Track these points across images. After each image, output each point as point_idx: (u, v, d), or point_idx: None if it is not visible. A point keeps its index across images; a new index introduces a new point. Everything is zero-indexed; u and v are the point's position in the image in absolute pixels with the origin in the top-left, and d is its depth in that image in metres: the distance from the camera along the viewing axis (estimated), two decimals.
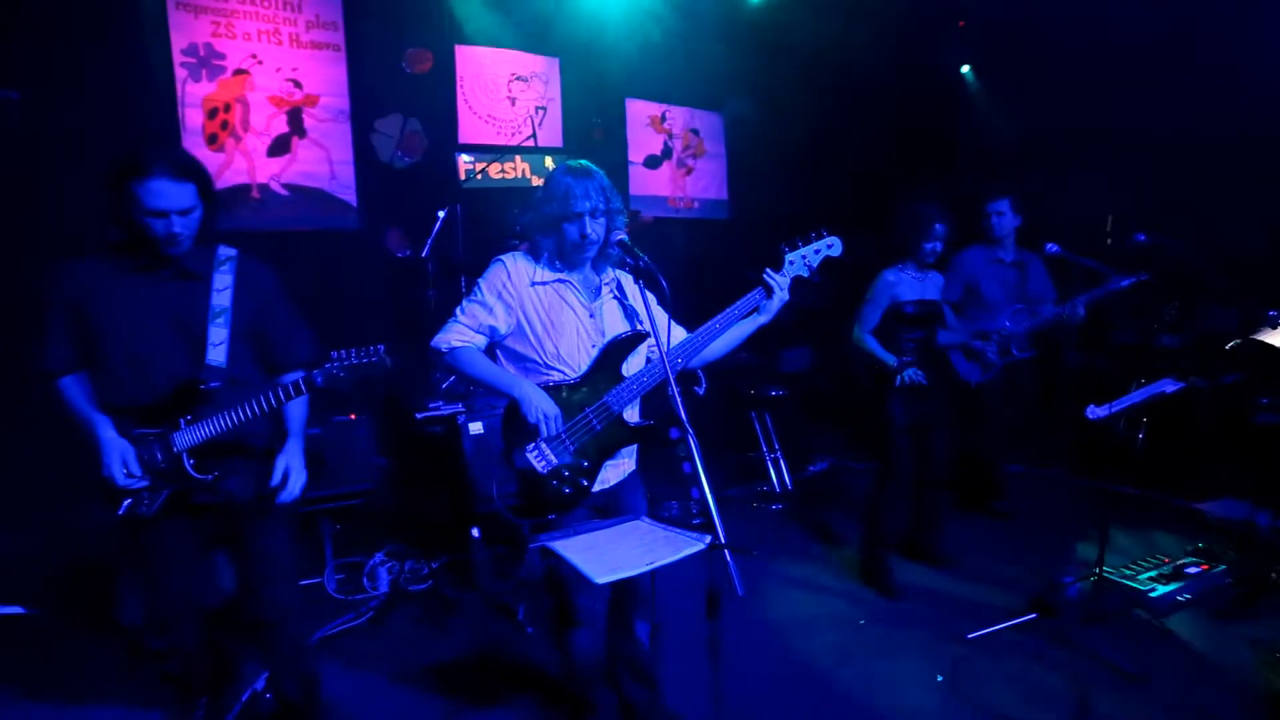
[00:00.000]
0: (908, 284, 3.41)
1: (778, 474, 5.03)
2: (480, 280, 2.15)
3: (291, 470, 2.19)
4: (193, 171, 2.01)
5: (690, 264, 6.42)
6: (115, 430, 2.05)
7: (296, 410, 2.26)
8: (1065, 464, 4.89)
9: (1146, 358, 4.60)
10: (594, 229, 2.07)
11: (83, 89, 3.93)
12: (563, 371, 2.16)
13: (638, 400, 2.23)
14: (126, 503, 2.06)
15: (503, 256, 2.17)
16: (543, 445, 2.10)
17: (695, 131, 6.93)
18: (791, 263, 2.24)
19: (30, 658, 2.98)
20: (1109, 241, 4.21)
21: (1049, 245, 3.73)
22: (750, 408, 5.09)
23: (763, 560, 3.91)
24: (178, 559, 2.17)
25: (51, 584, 3.39)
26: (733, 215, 7.17)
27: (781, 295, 2.21)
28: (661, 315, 2.15)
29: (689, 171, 6.92)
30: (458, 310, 2.15)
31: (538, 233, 2.11)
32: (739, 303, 2.19)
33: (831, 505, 4.77)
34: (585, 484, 2.14)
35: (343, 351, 2.03)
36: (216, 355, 2.07)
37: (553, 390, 2.13)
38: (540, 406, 2.06)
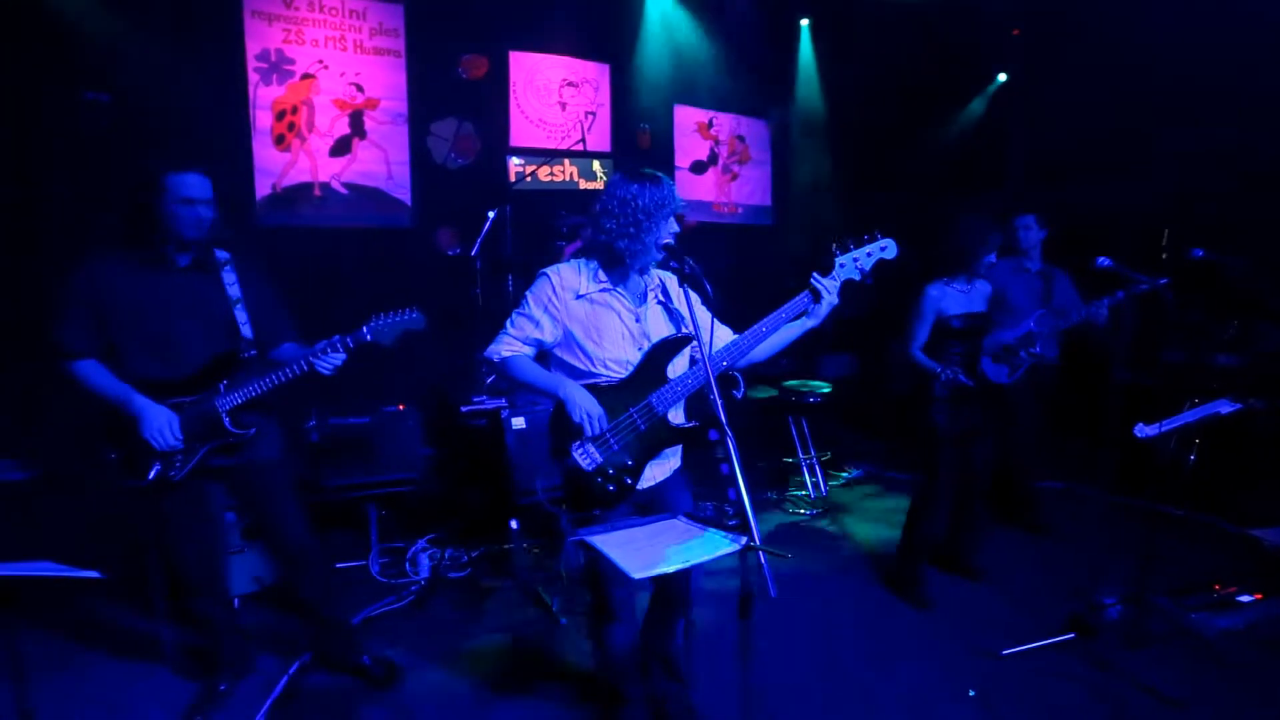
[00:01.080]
0: (953, 297, 3.35)
1: (813, 479, 4.99)
2: (528, 293, 2.20)
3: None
4: (211, 173, 2.37)
5: (733, 269, 6.32)
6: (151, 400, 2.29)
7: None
8: (1110, 483, 4.72)
9: (1200, 377, 4.41)
10: (670, 232, 2.14)
11: (165, 93, 4.12)
12: (609, 374, 2.20)
13: (682, 401, 2.25)
14: (156, 468, 2.28)
15: (547, 270, 2.20)
16: (588, 444, 2.16)
17: (741, 138, 6.92)
18: (842, 265, 2.21)
19: (78, 624, 3.10)
20: (1164, 256, 4.07)
21: (1100, 259, 3.62)
22: (788, 413, 5.05)
23: (796, 563, 3.89)
24: (202, 521, 2.42)
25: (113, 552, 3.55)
26: (776, 222, 7.14)
27: (830, 299, 2.18)
28: (705, 317, 2.18)
29: (734, 177, 6.90)
30: (507, 322, 2.23)
31: (615, 237, 2.09)
32: (785, 307, 2.18)
33: (866, 513, 4.71)
34: (629, 482, 2.18)
35: (381, 314, 2.36)
36: (247, 331, 2.41)
37: (598, 391, 2.17)
38: (584, 406, 2.12)
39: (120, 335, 2.30)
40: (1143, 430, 2.99)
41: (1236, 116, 4.66)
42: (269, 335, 2.50)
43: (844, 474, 5.40)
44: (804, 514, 4.70)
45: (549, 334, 2.18)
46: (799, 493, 4.98)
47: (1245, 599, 3.25)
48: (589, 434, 2.11)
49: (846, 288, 2.25)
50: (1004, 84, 6.58)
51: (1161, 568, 3.13)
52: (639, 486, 2.22)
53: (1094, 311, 3.73)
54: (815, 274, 2.19)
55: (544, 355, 2.30)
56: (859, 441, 5.83)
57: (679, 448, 2.34)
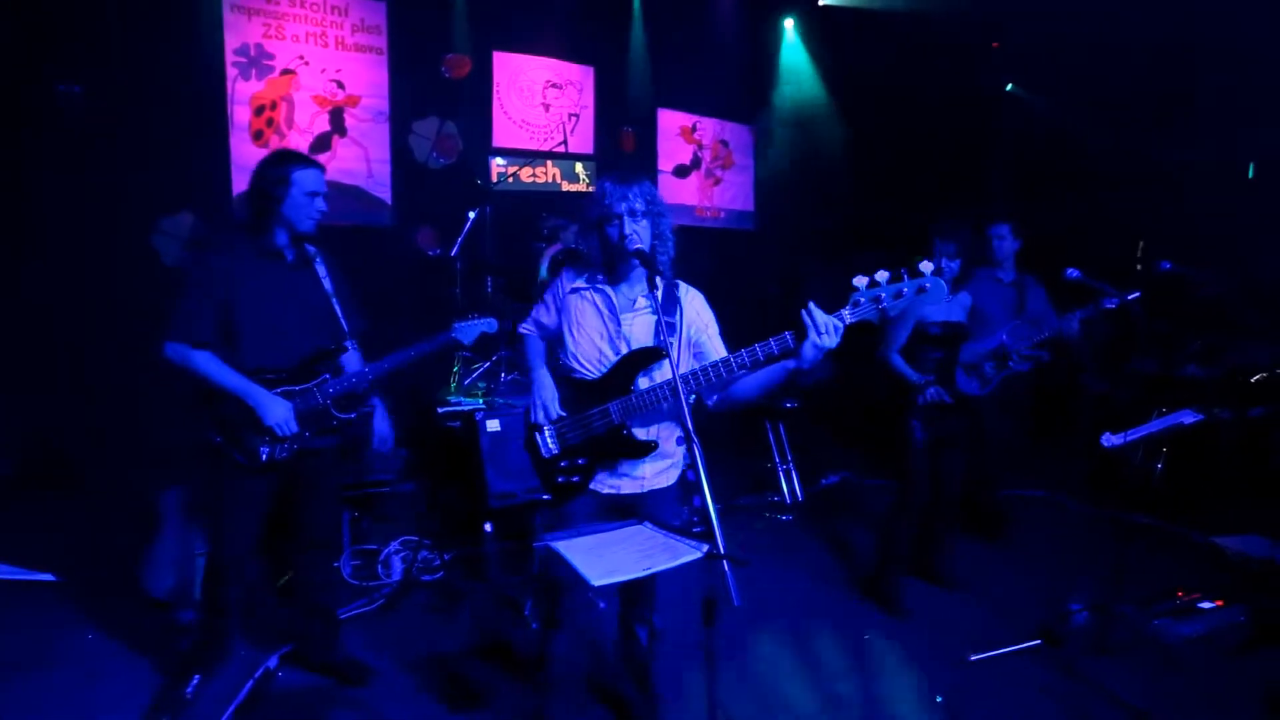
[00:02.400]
0: (936, 305, 3.36)
1: (789, 485, 4.98)
2: (548, 288, 2.38)
3: (385, 434, 2.81)
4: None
5: (716, 274, 6.30)
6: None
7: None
8: (1079, 491, 4.78)
9: (1170, 388, 4.47)
10: (634, 230, 2.06)
11: (140, 85, 4.06)
12: (582, 369, 2.24)
13: (658, 417, 2.22)
14: (266, 451, 2.42)
15: (565, 270, 2.35)
16: (548, 430, 2.24)
17: (725, 143, 6.95)
18: (858, 304, 1.88)
19: (46, 624, 3.05)
20: (1139, 268, 4.12)
21: (1069, 270, 3.67)
22: (764, 417, 5.05)
23: (768, 570, 3.88)
24: (264, 504, 2.50)
25: (75, 552, 3.47)
26: (758, 226, 7.18)
27: (823, 342, 1.86)
28: (710, 334, 2.22)
29: (717, 182, 6.94)
30: (534, 307, 2.43)
31: (582, 240, 2.20)
32: (759, 345, 1.96)
33: (841, 519, 4.71)
34: (578, 480, 2.21)
35: (466, 319, 2.65)
36: (344, 324, 2.59)
37: (572, 384, 2.24)
38: (540, 392, 2.26)
39: (241, 326, 2.39)
40: (1109, 440, 3.02)
41: (1217, 130, 4.71)
42: (350, 328, 2.66)
43: (820, 480, 5.41)
44: (779, 520, 4.70)
45: (550, 322, 2.34)
46: (774, 498, 4.97)
47: (1206, 606, 3.29)
48: (533, 417, 2.23)
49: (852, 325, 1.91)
50: (987, 94, 6.63)
51: (1129, 576, 3.16)
52: (605, 490, 2.24)
53: (1065, 325, 3.75)
54: (811, 305, 1.87)
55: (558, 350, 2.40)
56: (836, 447, 5.83)
57: (678, 460, 2.34)
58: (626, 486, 2.25)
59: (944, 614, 3.44)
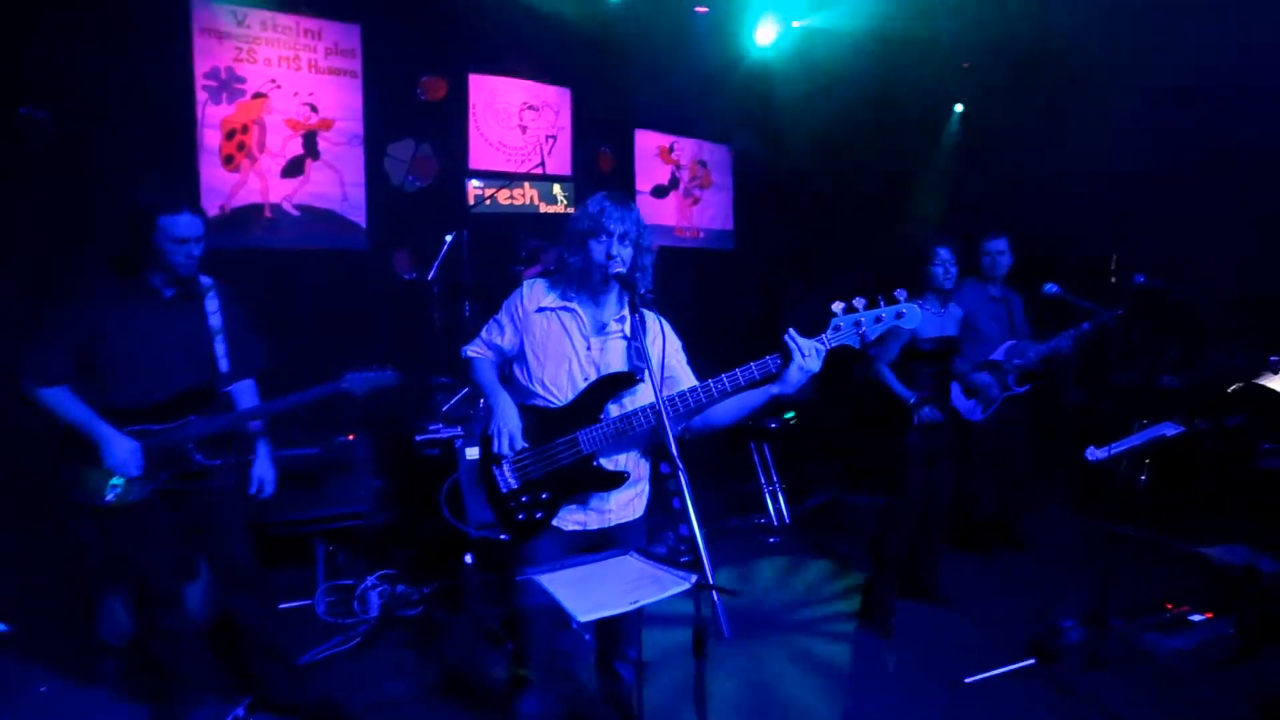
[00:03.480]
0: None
1: (775, 506, 4.97)
2: (505, 301, 2.27)
3: (266, 478, 2.70)
4: (202, 210, 2.47)
5: (695, 293, 6.42)
6: (116, 428, 2.34)
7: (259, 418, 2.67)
8: (1065, 505, 4.81)
9: (1147, 399, 4.53)
10: (620, 253, 2.06)
11: (106, 110, 3.98)
12: (546, 397, 2.16)
13: (628, 446, 2.18)
14: (114, 490, 2.35)
15: (527, 278, 2.27)
16: (508, 464, 2.13)
17: (703, 163, 6.97)
18: (839, 328, 1.92)
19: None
20: (1113, 280, 4.18)
21: (1047, 285, 3.71)
22: (749, 438, 5.04)
23: (757, 595, 3.85)
24: (159, 539, 2.46)
25: (29, 599, 3.37)
26: (738, 246, 7.18)
27: (807, 365, 1.90)
28: (679, 361, 2.18)
29: (695, 202, 6.94)
30: (484, 326, 2.30)
31: (565, 250, 2.14)
32: (741, 370, 1.95)
33: (830, 539, 4.70)
34: (540, 516, 2.12)
35: (362, 369, 2.54)
36: (224, 365, 2.53)
37: (534, 413, 2.14)
38: (500, 421, 2.12)
39: (103, 364, 2.35)
40: (1093, 453, 3.04)
41: (1186, 143, 4.80)
42: (238, 367, 2.60)
43: (807, 500, 5.39)
44: (767, 542, 4.68)
45: (508, 341, 2.21)
46: (761, 520, 4.96)
47: (1196, 618, 3.30)
48: (495, 448, 2.10)
49: (836, 351, 1.96)
50: (961, 115, 6.75)
51: (1118, 588, 3.17)
52: (587, 526, 2.18)
53: (1060, 343, 3.77)
54: (792, 331, 1.93)
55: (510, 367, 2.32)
56: (822, 466, 5.82)
57: (643, 489, 2.29)
58: (593, 521, 2.19)
59: (934, 632, 3.42)
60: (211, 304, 2.51)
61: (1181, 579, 3.90)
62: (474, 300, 4.61)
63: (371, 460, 3.87)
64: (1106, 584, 3.10)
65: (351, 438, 3.84)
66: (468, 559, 3.62)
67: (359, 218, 4.93)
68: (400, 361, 4.94)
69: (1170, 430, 2.98)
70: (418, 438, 4.00)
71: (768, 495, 4.99)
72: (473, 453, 3.73)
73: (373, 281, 4.92)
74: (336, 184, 4.85)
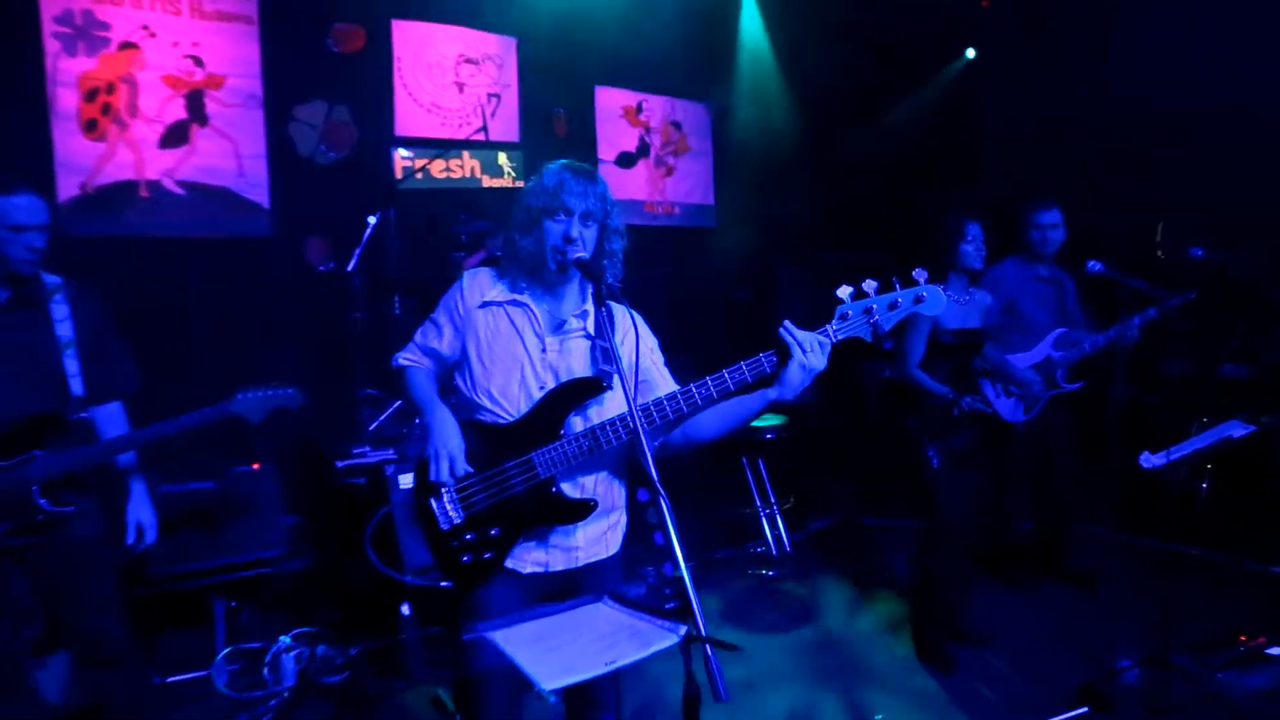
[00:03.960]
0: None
1: (773, 532, 4.92)
2: (443, 297, 2.22)
3: (145, 522, 2.64)
4: (43, 191, 2.38)
5: (670, 281, 6.42)
6: None
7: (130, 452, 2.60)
8: (1116, 521, 4.84)
9: (1207, 392, 4.58)
10: (582, 235, 2.04)
11: None
12: (494, 411, 2.11)
13: (596, 466, 2.14)
14: None
15: (468, 269, 2.22)
16: (448, 495, 2.07)
17: (677, 125, 6.96)
18: (846, 317, 1.92)
19: None
20: (1160, 254, 4.21)
21: (1091, 263, 3.73)
22: (739, 451, 5.01)
23: (755, 640, 3.85)
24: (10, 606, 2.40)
25: None
26: (720, 223, 7.20)
27: (810, 363, 1.89)
28: (654, 362, 2.16)
29: (669, 171, 6.94)
30: (419, 328, 2.27)
31: (515, 233, 2.10)
32: (729, 372, 1.94)
33: (839, 570, 4.68)
34: (490, 557, 2.08)
35: (257, 388, 2.45)
36: (77, 386, 2.41)
37: (480, 431, 2.09)
38: (438, 441, 2.06)
39: None
40: (1149, 460, 3.05)
41: (1243, 96, 4.85)
42: (98, 388, 2.51)
43: (810, 523, 5.41)
44: (765, 575, 4.67)
45: (447, 345, 2.18)
46: (757, 549, 4.94)
47: (1275, 651, 3.32)
48: (433, 475, 2.04)
49: (846, 346, 1.96)
50: (972, 62, 6.81)
51: (1181, 619, 3.18)
52: (550, 568, 2.13)
53: (1121, 334, 3.77)
54: (788, 323, 1.92)
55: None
56: (826, 482, 5.83)
57: (618, 520, 2.25)
58: (557, 561, 2.14)
59: (969, 679, 3.42)
60: (59, 309, 2.42)
61: (1255, 606, 3.93)
62: (405, 295, 4.61)
63: (282, 494, 3.82)
64: (1168, 615, 3.10)
65: (256, 467, 3.77)
66: (405, 610, 3.56)
67: (260, 197, 4.86)
68: (317, 372, 4.88)
69: (1238, 430, 3.00)
70: (340, 464, 3.97)
71: (764, 519, 4.95)
72: (406, 480, 3.69)
73: (280, 275, 4.88)
74: (231, 156, 4.78)
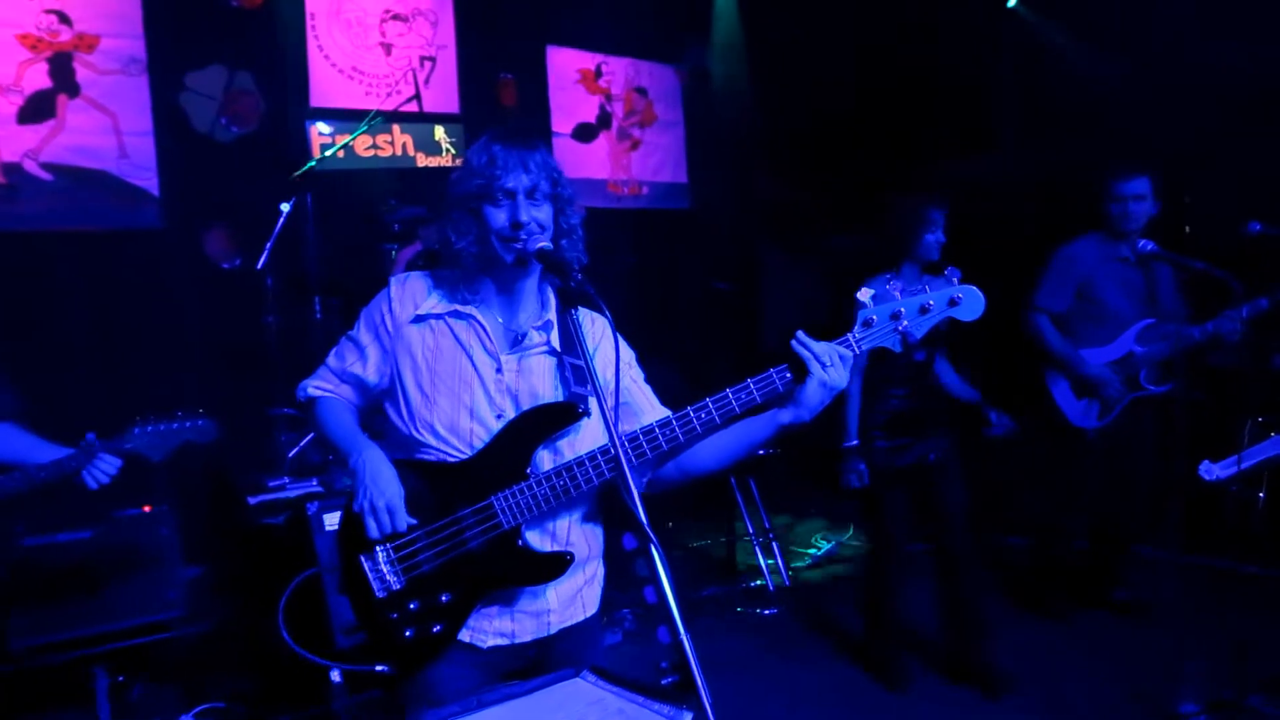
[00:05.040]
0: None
1: (770, 562, 4.92)
2: (363, 310, 2.14)
3: None
4: None
5: (638, 273, 6.37)
6: None
7: None
8: (1158, 535, 4.80)
9: (1259, 387, 4.55)
10: (534, 216, 1.95)
11: None
12: (440, 449, 2.00)
13: (571, 509, 2.05)
14: None
15: (394, 277, 2.13)
16: (383, 554, 1.96)
17: (642, 91, 6.88)
18: (870, 324, 1.90)
19: None
20: (1187, 230, 4.15)
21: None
22: (729, 472, 4.92)
23: (758, 690, 3.80)
24: None
25: None
26: (695, 204, 7.16)
27: (831, 379, 1.87)
28: (635, 380, 2.12)
29: (635, 145, 6.86)
30: (333, 349, 2.18)
31: (451, 231, 2.01)
32: (734, 392, 1.89)
33: (845, 603, 4.59)
34: (439, 630, 1.97)
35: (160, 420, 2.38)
36: None
37: (419, 471, 1.98)
38: (372, 489, 1.93)
39: None
40: (1210, 471, 3.00)
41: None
42: None
43: (810, 550, 5.37)
44: (761, 615, 4.61)
45: (373, 370, 2.09)
46: (752, 583, 4.89)
47: None
48: (370, 532, 1.93)
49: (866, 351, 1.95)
50: (991, 10, 6.70)
51: (1254, 653, 3.15)
52: (515, 639, 2.02)
53: (1224, 326, 3.72)
54: (802, 334, 1.88)
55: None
56: (826, 499, 5.78)
57: (595, 572, 2.15)
58: (525, 629, 2.05)
59: None
60: None
61: None
62: (327, 296, 4.56)
63: (180, 540, 3.74)
64: (1239, 648, 3.07)
65: (148, 510, 3.70)
66: (335, 677, 3.44)
67: (147, 182, 4.75)
68: (223, 390, 4.77)
69: None
70: (253, 499, 3.95)
71: (758, 548, 4.93)
72: (334, 520, 3.61)
73: (174, 275, 4.78)
74: (109, 132, 4.64)
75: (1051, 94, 6.12)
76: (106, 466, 2.35)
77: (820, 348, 1.86)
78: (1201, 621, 3.86)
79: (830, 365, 1.86)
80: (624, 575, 2.88)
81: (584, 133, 6.54)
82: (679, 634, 1.57)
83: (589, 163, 6.59)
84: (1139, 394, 3.94)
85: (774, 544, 4.93)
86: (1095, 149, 4.57)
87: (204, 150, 4.90)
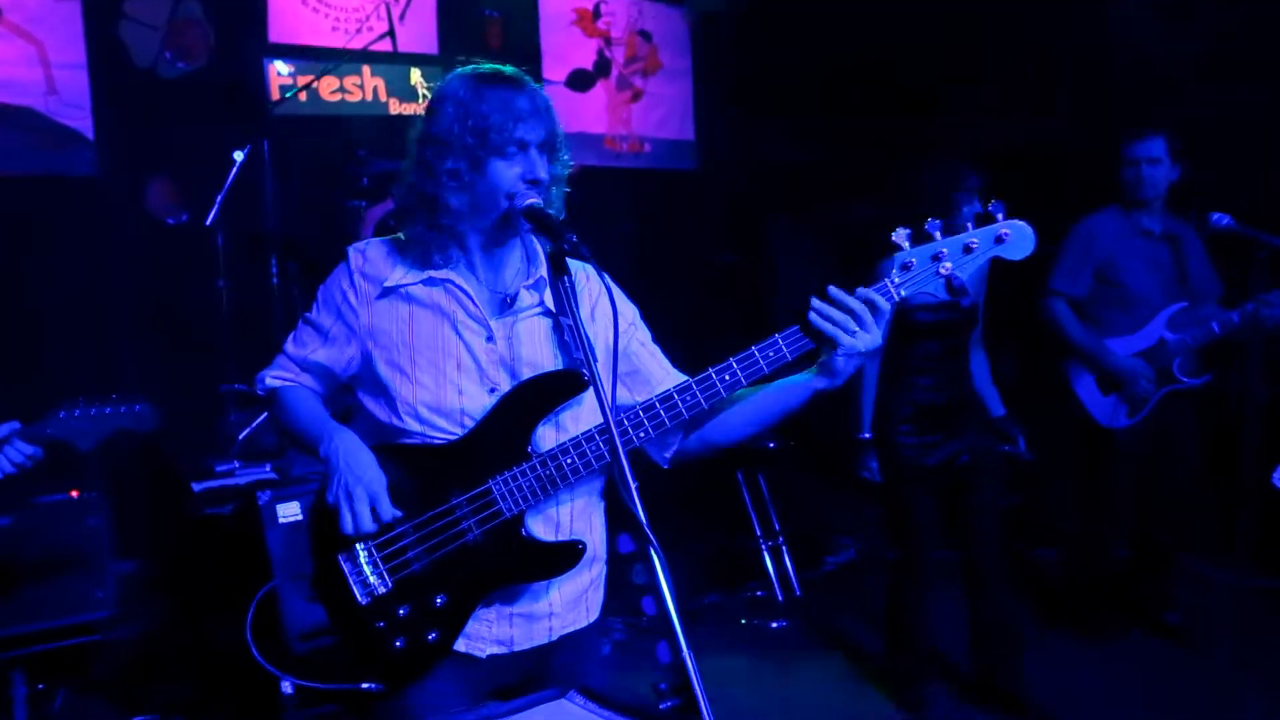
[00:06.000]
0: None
1: (778, 570, 4.94)
2: (320, 289, 2.12)
3: None
4: None
5: (640, 237, 6.37)
6: None
7: None
8: (1216, 552, 4.78)
9: None
10: (541, 175, 1.94)
11: None
12: (425, 432, 1.98)
13: (578, 493, 2.04)
14: None
15: (352, 247, 2.11)
16: (364, 553, 1.94)
17: (646, 35, 6.83)
18: (909, 267, 1.86)
19: None
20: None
21: (1216, 216, 3.68)
22: (735, 466, 5.00)
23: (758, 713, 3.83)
24: None
25: None
26: (702, 164, 7.13)
27: (861, 341, 1.82)
28: (642, 342, 2.12)
29: (636, 96, 6.81)
30: (291, 334, 2.17)
31: (432, 183, 1.96)
32: (760, 349, 1.88)
33: (861, 619, 4.62)
34: (433, 639, 1.94)
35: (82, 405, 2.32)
36: None
37: (402, 457, 1.98)
38: (348, 476, 1.91)
39: None
40: None
41: None
42: None
43: (826, 559, 5.38)
44: (768, 628, 4.64)
45: (338, 356, 2.07)
46: (758, 592, 4.92)
47: None
48: (347, 527, 1.89)
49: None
50: None
51: None
52: (514, 647, 2.01)
53: (1266, 311, 3.69)
54: (834, 289, 1.83)
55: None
56: (844, 504, 5.77)
57: (600, 572, 2.14)
58: (523, 636, 2.04)
59: None
60: None
61: None
62: (286, 258, 4.59)
63: (114, 531, 3.74)
64: None
65: (75, 495, 3.69)
66: (286, 688, 3.45)
67: (80, 122, 4.71)
68: (166, 362, 4.74)
69: None
70: (198, 486, 3.95)
71: (766, 553, 4.95)
72: (290, 510, 3.64)
73: (111, 229, 4.76)
74: (35, 64, 4.61)
75: (1119, 56, 6.05)
76: (16, 455, 2.27)
77: (852, 302, 1.80)
78: (1263, 650, 3.87)
79: (852, 330, 1.80)
80: (615, 580, 2.89)
81: (579, 80, 6.40)
82: (681, 652, 1.54)
83: (584, 115, 6.51)
84: (1173, 387, 3.93)
85: (784, 549, 4.93)
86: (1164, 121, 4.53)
87: (146, 88, 4.85)
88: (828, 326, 1.80)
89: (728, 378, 1.88)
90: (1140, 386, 3.89)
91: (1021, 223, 1.85)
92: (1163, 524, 4.29)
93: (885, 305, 1.82)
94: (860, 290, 1.82)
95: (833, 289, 1.83)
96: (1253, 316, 3.73)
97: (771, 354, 1.87)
